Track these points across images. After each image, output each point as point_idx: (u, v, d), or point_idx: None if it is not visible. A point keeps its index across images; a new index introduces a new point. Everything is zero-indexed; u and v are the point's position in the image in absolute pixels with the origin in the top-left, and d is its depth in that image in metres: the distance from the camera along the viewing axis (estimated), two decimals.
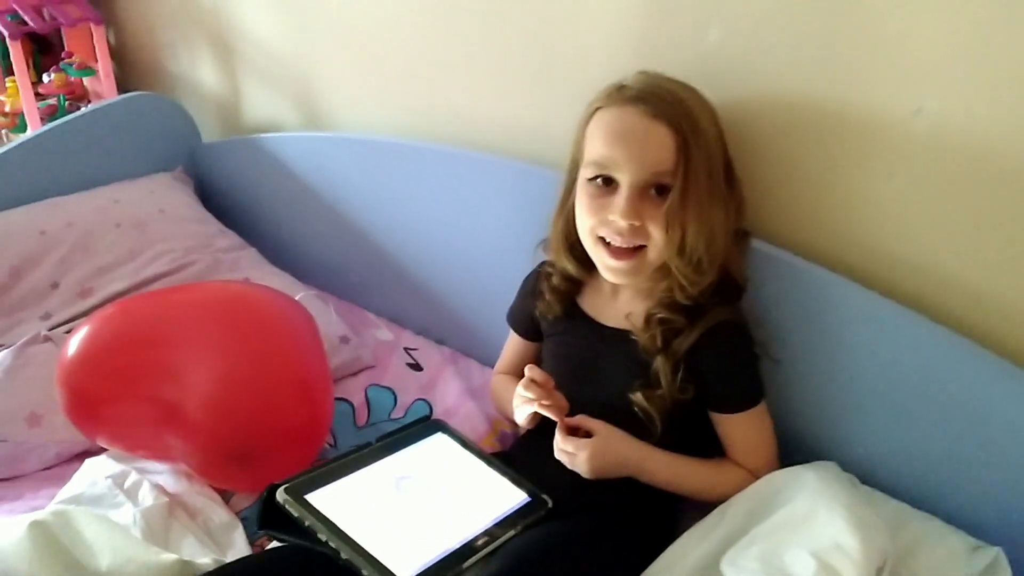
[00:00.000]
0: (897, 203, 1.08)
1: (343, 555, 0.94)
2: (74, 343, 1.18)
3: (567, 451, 1.09)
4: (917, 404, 1.09)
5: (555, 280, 1.19)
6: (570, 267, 1.17)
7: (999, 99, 0.97)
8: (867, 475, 1.12)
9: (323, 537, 0.95)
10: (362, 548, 0.95)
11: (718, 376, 1.11)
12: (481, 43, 1.43)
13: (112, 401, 1.16)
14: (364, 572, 0.93)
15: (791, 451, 1.15)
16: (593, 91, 1.10)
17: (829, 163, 1.11)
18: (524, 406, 1.13)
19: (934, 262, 1.07)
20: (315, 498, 0.99)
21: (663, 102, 1.02)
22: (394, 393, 1.45)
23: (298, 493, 0.99)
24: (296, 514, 0.97)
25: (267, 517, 1.00)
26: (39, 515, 0.99)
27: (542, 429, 1.17)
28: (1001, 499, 1.06)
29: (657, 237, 1.04)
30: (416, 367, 1.52)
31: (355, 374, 1.48)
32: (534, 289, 1.23)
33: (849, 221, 1.12)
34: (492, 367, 1.41)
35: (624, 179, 1.04)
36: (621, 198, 1.04)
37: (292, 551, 0.96)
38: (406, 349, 1.56)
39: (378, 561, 0.94)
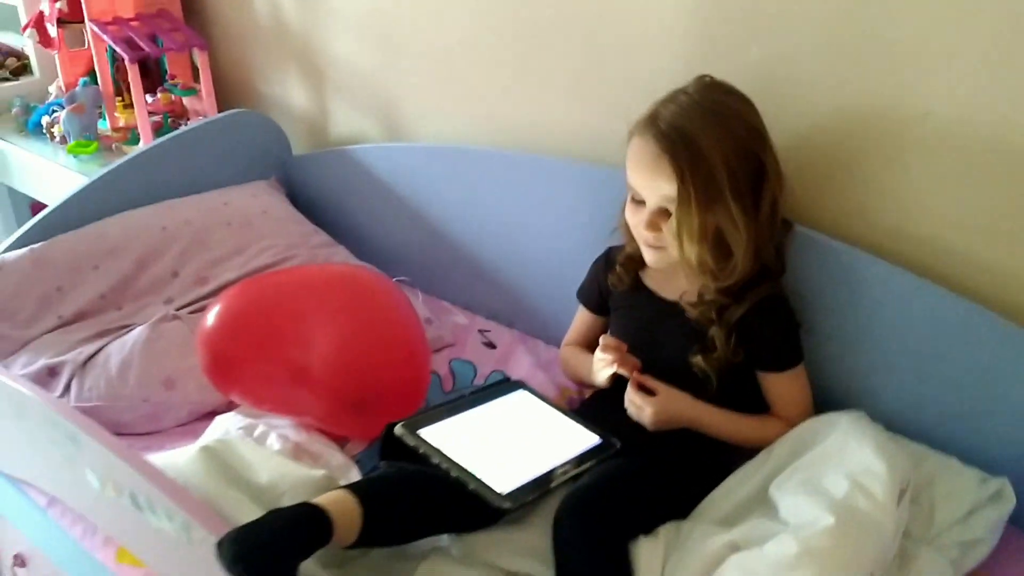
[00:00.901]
0: (914, 190, 1.29)
1: (453, 474, 1.14)
2: (213, 313, 1.39)
3: (636, 403, 1.29)
4: (933, 362, 1.29)
5: (624, 257, 1.40)
6: (634, 248, 1.38)
7: (995, 103, 1.18)
8: (891, 424, 1.29)
9: (435, 460, 1.15)
10: (467, 469, 1.15)
11: (764, 341, 1.30)
12: (543, 60, 1.66)
13: (247, 361, 1.37)
14: (471, 486, 1.12)
15: (825, 406, 1.33)
16: (644, 100, 1.29)
17: (855, 158, 1.32)
18: (605, 369, 1.33)
19: (945, 238, 1.28)
20: (426, 432, 1.20)
21: (669, 140, 1.21)
22: (474, 365, 1.65)
23: (412, 428, 1.19)
24: (412, 443, 1.17)
25: (386, 450, 1.21)
26: (207, 441, 1.20)
27: (604, 394, 1.37)
28: (1006, 440, 1.25)
29: (671, 245, 1.26)
30: (490, 345, 1.73)
31: (438, 351, 1.68)
32: (605, 266, 1.44)
33: (873, 206, 1.33)
34: (557, 346, 1.62)
35: (646, 200, 1.26)
36: (644, 214, 1.27)
37: (412, 471, 1.16)
38: (480, 331, 1.77)
39: (481, 480, 1.14)
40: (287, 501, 1.10)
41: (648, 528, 1.15)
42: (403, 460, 1.19)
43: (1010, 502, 1.20)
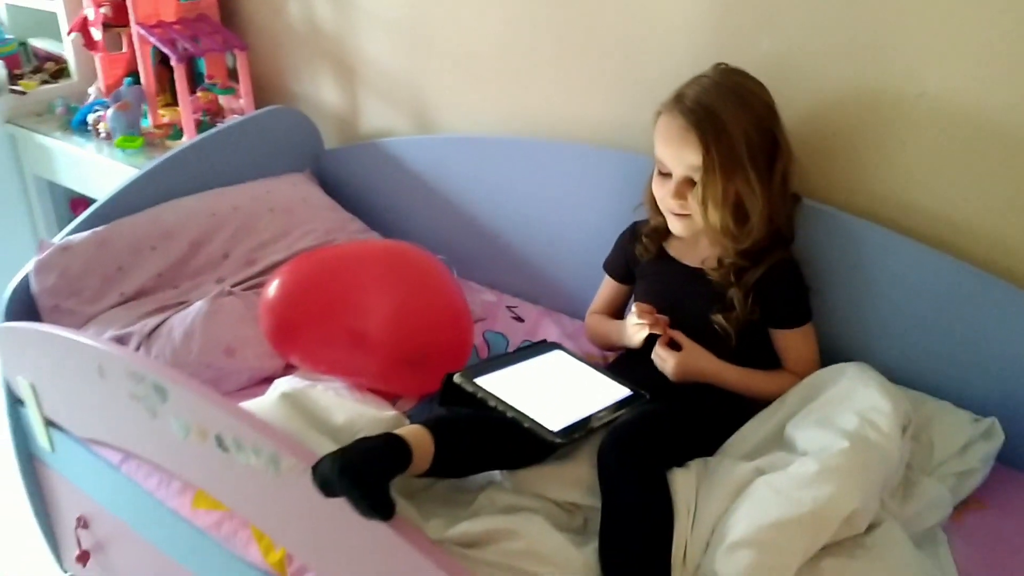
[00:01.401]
0: (910, 164, 1.44)
1: (509, 415, 1.27)
2: (274, 284, 1.53)
3: (661, 356, 1.43)
4: (929, 319, 1.44)
5: (650, 229, 1.54)
6: (658, 222, 1.53)
7: (983, 84, 1.34)
8: (891, 376, 1.41)
9: (492, 403, 1.29)
10: (521, 411, 1.28)
11: (777, 300, 1.44)
12: (569, 53, 1.81)
13: (307, 326, 1.50)
14: (525, 424, 1.26)
15: (832, 361, 1.46)
16: (664, 90, 1.44)
17: (857, 136, 1.48)
18: (640, 332, 1.47)
19: (939, 206, 1.44)
20: (481, 380, 1.33)
21: (694, 115, 1.37)
22: (505, 336, 1.79)
23: (470, 377, 1.33)
24: (471, 389, 1.31)
25: (444, 397, 1.35)
26: (285, 390, 1.34)
27: (629, 356, 1.52)
28: (994, 387, 1.41)
29: (695, 211, 1.41)
30: (518, 319, 1.87)
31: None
32: (631, 238, 1.58)
33: (874, 179, 1.48)
34: (580, 318, 1.77)
35: (672, 172, 1.41)
36: (671, 185, 1.42)
37: (473, 413, 1.30)
38: (508, 307, 1.91)
39: (534, 419, 1.27)
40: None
41: (680, 462, 1.28)
42: (460, 406, 1.33)
43: (1000, 438, 1.35)
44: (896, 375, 1.44)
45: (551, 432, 1.26)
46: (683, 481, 1.24)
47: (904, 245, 1.44)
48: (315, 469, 1.09)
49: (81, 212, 1.91)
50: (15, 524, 2.14)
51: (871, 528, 1.18)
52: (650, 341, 1.46)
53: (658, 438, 1.28)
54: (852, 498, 1.14)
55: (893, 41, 1.40)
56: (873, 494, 1.18)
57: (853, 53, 1.44)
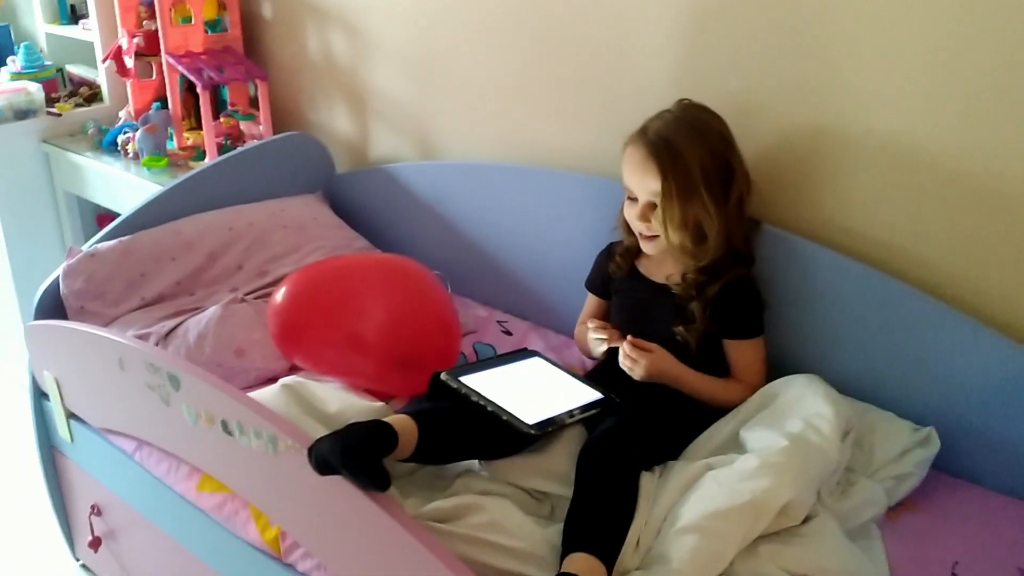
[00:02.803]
0: (860, 194, 1.59)
1: (489, 409, 1.41)
2: (281, 292, 1.68)
3: (632, 357, 1.55)
4: (874, 336, 1.57)
5: (623, 249, 1.69)
6: (631, 242, 1.68)
7: (926, 121, 1.48)
8: (839, 387, 1.52)
9: (474, 399, 1.43)
10: (500, 406, 1.42)
11: (732, 313, 1.58)
12: (560, 90, 1.96)
13: (310, 329, 1.65)
14: (503, 418, 1.40)
15: (784, 372, 1.58)
16: (641, 121, 1.59)
17: (813, 168, 1.62)
18: (600, 345, 1.62)
19: (885, 233, 1.58)
20: (465, 379, 1.47)
21: (654, 146, 1.52)
22: (494, 348, 1.93)
23: (455, 375, 1.47)
24: (455, 386, 1.45)
25: (431, 393, 1.49)
26: (286, 381, 1.48)
27: (602, 367, 1.66)
28: (934, 399, 1.53)
29: (659, 232, 1.55)
30: (508, 333, 2.01)
31: (463, 336, 1.96)
32: (607, 257, 1.73)
33: (826, 206, 1.63)
34: (565, 334, 1.91)
35: (638, 197, 1.57)
36: (636, 209, 1.57)
37: (455, 407, 1.43)
38: (498, 322, 2.05)
39: (512, 413, 1.41)
40: None
41: (649, 465, 1.41)
42: (445, 401, 1.47)
43: (936, 445, 1.47)
44: (845, 387, 1.56)
45: (527, 425, 1.39)
46: (647, 483, 1.36)
47: (853, 268, 1.57)
48: (311, 450, 1.23)
49: (106, 226, 2.07)
50: (30, 516, 2.28)
51: (807, 520, 1.30)
52: (613, 354, 1.60)
53: (634, 444, 1.40)
54: (787, 490, 1.27)
55: (844, 84, 1.55)
56: (808, 489, 1.30)
57: (809, 93, 1.59)
